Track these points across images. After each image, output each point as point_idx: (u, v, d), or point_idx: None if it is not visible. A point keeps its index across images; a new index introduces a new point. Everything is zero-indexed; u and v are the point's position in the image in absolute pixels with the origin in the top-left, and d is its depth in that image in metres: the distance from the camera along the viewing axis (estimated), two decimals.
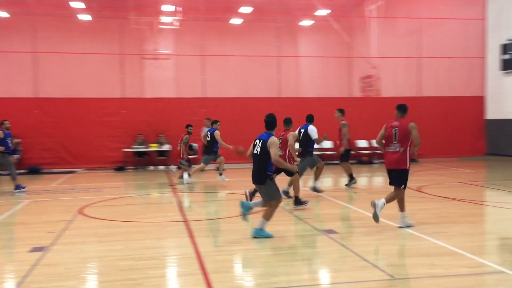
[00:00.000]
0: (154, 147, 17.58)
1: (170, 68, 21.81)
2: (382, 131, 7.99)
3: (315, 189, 11.04)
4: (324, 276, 5.56)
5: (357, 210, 9.15)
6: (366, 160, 19.08)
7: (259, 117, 18.96)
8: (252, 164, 7.13)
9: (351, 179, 12.24)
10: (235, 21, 22.59)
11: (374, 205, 7.37)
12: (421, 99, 20.17)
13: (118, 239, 7.08)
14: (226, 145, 12.53)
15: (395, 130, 7.75)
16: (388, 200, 7.48)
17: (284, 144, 9.33)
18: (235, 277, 5.49)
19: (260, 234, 6.93)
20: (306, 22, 23.70)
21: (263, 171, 6.90)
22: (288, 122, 9.75)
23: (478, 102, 20.90)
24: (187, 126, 14.08)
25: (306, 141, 10.44)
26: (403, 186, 7.53)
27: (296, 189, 9.35)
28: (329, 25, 21.24)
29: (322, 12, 21.35)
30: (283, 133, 9.61)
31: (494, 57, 21.00)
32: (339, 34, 21.16)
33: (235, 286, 5.13)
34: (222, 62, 21.15)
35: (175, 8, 20.26)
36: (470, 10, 20.89)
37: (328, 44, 22.67)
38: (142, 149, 17.55)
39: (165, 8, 20.40)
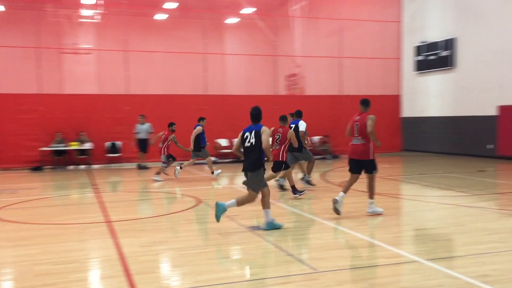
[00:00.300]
0: (74, 146, 16.83)
1: (91, 63, 21.00)
2: (348, 125, 8.59)
3: (308, 182, 11.60)
4: (250, 272, 5.60)
5: (282, 206, 9.32)
6: None
7: (185, 115, 18.89)
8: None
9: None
10: (160, 16, 22.17)
11: (335, 201, 7.92)
12: (342, 97, 20.92)
13: (35, 243, 6.71)
14: (181, 147, 13.49)
15: (356, 124, 8.33)
16: (345, 189, 8.23)
17: (283, 139, 10.00)
18: (160, 278, 5.39)
19: (272, 226, 7.18)
20: (232, 20, 23.78)
21: (259, 159, 7.16)
22: (284, 119, 10.36)
23: (395, 100, 22.04)
24: (170, 124, 13.69)
25: (298, 136, 10.91)
26: (374, 171, 8.24)
27: (291, 180, 10.05)
28: (255, 23, 21.46)
29: (248, 10, 21.52)
30: (281, 129, 10.14)
31: (408, 58, 22.22)
32: (264, 33, 21.43)
33: (160, 287, 5.03)
34: (147, 58, 20.71)
35: (96, 1, 19.52)
36: (387, 13, 21.96)
37: (254, 42, 22.92)
38: (61, 147, 16.74)
39: (85, 0, 19.60)
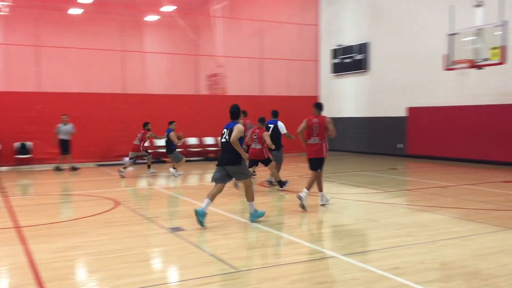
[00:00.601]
0: None
1: None
2: (303, 124, 9.31)
3: (270, 183, 11.95)
4: (171, 274, 5.51)
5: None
6: (213, 157, 19.43)
7: (102, 114, 18.20)
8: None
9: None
10: (74, 11, 21.21)
11: (300, 198, 8.57)
12: (263, 98, 21.21)
13: None
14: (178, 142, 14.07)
15: (315, 125, 9.15)
16: (308, 186, 8.82)
17: (259, 140, 10.89)
18: (75, 284, 5.14)
19: (256, 216, 7.68)
20: (151, 18, 23.30)
21: (236, 153, 7.54)
22: (262, 121, 11.17)
23: (313, 101, 22.64)
24: (145, 124, 14.80)
25: (277, 136, 11.67)
26: (319, 169, 8.95)
27: (276, 175, 10.99)
28: (176, 22, 21.17)
29: (168, 8, 21.19)
30: (257, 130, 11.07)
31: (326, 61, 23.01)
32: (185, 32, 21.21)
33: None
34: (61, 54, 19.71)
35: None
36: (306, 16, 22.58)
37: (175, 41, 22.61)
38: None
39: None
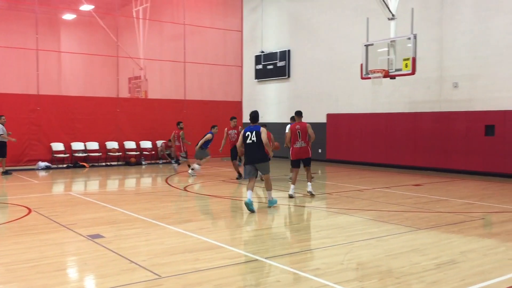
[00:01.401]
0: None
1: None
2: (288, 131, 10.96)
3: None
4: (90, 283, 5.30)
5: (124, 212, 9.01)
6: (133, 161, 18.96)
7: (15, 116, 17.15)
8: None
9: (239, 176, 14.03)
10: None
11: (291, 196, 10.42)
12: (186, 102, 21.05)
13: None
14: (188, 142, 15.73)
15: (298, 132, 10.66)
16: (309, 179, 10.86)
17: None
18: None
19: (273, 203, 9.40)
20: (69, 16, 22.33)
21: (264, 152, 9.21)
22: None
23: (237, 107, 22.87)
24: (178, 123, 15.82)
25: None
26: (310, 164, 10.87)
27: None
28: (96, 21, 20.44)
29: (86, 7, 20.42)
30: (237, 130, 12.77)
31: (249, 67, 23.31)
32: (105, 32, 20.53)
33: None
34: None
35: None
36: (229, 22, 22.73)
37: (94, 42, 21.78)
38: None
39: None
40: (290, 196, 10.49)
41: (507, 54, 14.39)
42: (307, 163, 10.82)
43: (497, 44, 14.59)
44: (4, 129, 14.94)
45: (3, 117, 15.05)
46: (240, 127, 14.94)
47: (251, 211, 8.79)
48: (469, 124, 15.20)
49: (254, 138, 9.14)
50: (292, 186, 10.67)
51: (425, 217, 8.52)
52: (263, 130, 9.17)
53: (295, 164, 10.93)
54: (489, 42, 14.79)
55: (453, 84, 15.72)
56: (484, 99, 14.95)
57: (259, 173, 9.88)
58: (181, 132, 15.63)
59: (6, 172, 15.06)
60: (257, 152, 9.17)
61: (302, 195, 11.00)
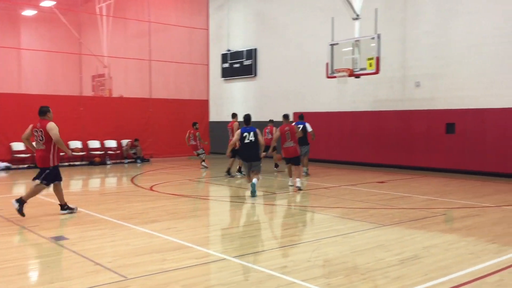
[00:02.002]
0: None
1: None
2: (277, 133, 11.78)
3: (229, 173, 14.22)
4: (53, 286, 5.16)
5: (88, 213, 8.83)
6: (98, 161, 18.60)
7: None
8: None
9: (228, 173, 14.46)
10: None
11: (293, 184, 11.57)
12: (152, 101, 20.80)
13: None
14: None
15: (287, 132, 11.48)
16: (290, 175, 11.96)
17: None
18: None
19: (255, 191, 10.24)
20: (29, 12, 21.72)
21: (258, 152, 10.46)
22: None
23: (203, 105, 22.79)
24: (194, 123, 17.17)
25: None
26: (300, 163, 11.93)
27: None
28: (57, 18, 19.95)
29: (47, 3, 19.90)
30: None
31: (216, 65, 23.22)
32: (67, 29, 20.07)
33: None
34: None
35: None
36: (195, 20, 22.59)
37: (56, 38, 21.28)
38: None
39: None
40: (291, 185, 11.83)
41: (467, 54, 14.83)
42: (296, 162, 11.67)
43: (458, 45, 15.02)
44: None
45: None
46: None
47: (253, 193, 10.12)
48: (430, 122, 15.60)
49: (252, 138, 10.33)
50: (297, 180, 11.61)
51: (389, 213, 8.69)
52: (259, 132, 10.48)
53: (287, 161, 12.09)
54: (450, 42, 15.22)
55: (415, 83, 16.09)
56: (445, 98, 15.37)
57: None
58: (197, 133, 16.83)
59: None
60: (254, 151, 10.42)
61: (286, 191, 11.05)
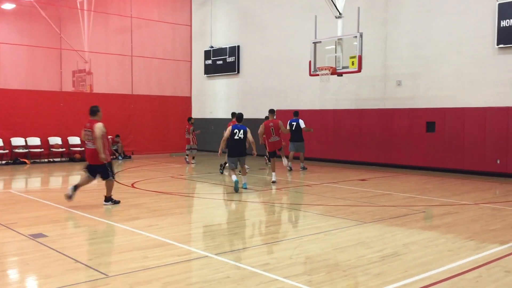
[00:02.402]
0: None
1: None
2: (262, 128, 12.94)
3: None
4: (31, 284, 5.09)
5: (69, 210, 8.73)
6: (79, 157, 18.37)
7: None
8: None
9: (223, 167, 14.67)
10: None
11: (274, 182, 12.17)
12: (133, 97, 20.63)
13: None
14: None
15: (272, 128, 12.68)
16: (274, 169, 12.62)
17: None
18: None
19: (246, 185, 11.17)
20: (8, 6, 21.31)
21: (245, 148, 11.14)
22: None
23: (186, 102, 22.67)
24: (189, 119, 17.96)
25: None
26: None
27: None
28: (37, 12, 19.60)
29: None
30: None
31: (198, 62, 23.12)
32: (47, 23, 19.74)
33: None
34: None
35: None
36: (178, 16, 22.44)
37: (35, 33, 20.92)
38: None
39: None
40: (273, 182, 12.24)
41: (447, 54, 15.03)
42: (280, 149, 12.95)
43: (438, 44, 15.22)
44: None
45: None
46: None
47: (236, 190, 10.60)
48: (411, 121, 15.77)
49: (242, 135, 10.95)
50: (273, 174, 12.38)
51: (370, 211, 8.78)
52: (248, 130, 11.13)
53: (272, 155, 13.00)
54: (430, 42, 15.40)
55: (396, 82, 16.25)
56: (425, 97, 15.56)
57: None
58: (191, 128, 17.31)
59: None
60: (242, 147, 11.07)
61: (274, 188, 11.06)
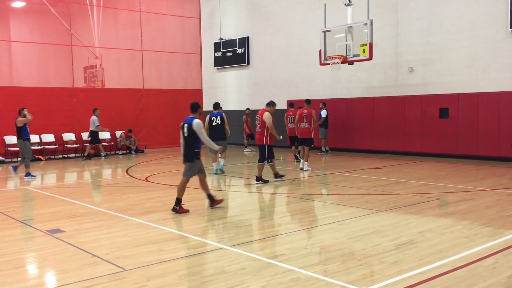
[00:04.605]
0: None
1: None
2: (297, 116, 13.32)
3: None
4: (50, 279, 5.17)
5: (84, 205, 8.82)
6: (92, 153, 18.51)
7: None
8: None
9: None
10: None
11: (301, 168, 12.75)
12: (145, 91, 20.70)
13: None
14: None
15: (304, 114, 12.80)
16: (306, 159, 12.81)
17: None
18: None
19: (222, 167, 12.52)
20: (18, 4, 21.44)
21: (225, 132, 12.55)
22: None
23: (197, 95, 22.69)
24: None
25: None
26: (312, 145, 12.89)
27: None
28: (47, 9, 19.70)
29: None
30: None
31: (209, 54, 23.10)
32: (58, 20, 19.84)
33: None
34: None
35: None
36: (187, 9, 22.41)
37: (46, 30, 21.02)
38: None
39: None
40: (301, 169, 12.89)
41: (458, 39, 14.83)
42: (308, 143, 12.78)
43: (449, 29, 15.01)
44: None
45: (98, 110, 17.47)
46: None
47: (220, 170, 12.22)
48: (424, 108, 15.63)
49: (219, 121, 12.08)
50: (306, 163, 12.83)
51: (384, 199, 8.74)
52: (225, 117, 12.24)
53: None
54: (441, 27, 15.20)
55: (408, 69, 16.09)
56: (438, 83, 15.39)
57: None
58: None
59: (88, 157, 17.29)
60: (220, 132, 12.08)
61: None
